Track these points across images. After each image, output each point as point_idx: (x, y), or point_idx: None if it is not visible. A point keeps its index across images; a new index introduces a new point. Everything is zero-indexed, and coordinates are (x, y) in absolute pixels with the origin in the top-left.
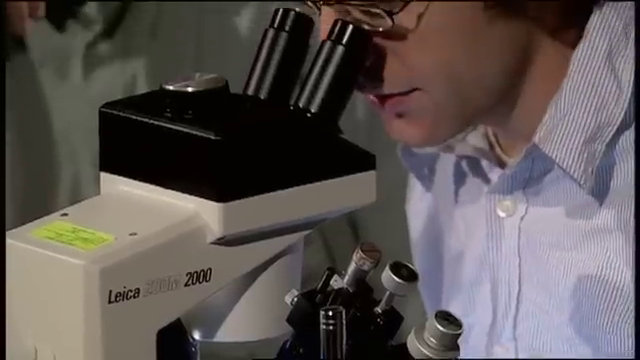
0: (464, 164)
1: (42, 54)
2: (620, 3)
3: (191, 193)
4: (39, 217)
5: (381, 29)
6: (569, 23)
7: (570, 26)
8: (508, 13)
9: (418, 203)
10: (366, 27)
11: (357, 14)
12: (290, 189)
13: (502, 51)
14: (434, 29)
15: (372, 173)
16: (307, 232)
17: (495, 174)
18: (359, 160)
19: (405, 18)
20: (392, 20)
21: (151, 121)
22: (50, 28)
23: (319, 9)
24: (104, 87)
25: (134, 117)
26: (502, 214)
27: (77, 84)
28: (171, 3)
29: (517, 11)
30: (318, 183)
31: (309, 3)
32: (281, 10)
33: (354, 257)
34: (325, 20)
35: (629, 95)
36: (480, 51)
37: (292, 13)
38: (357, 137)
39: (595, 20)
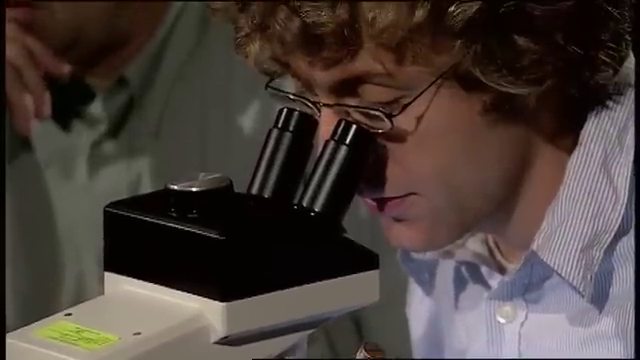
0: (464, 269)
1: (47, 154)
2: (614, 109)
3: (195, 292)
4: (42, 317)
5: (380, 131)
6: (566, 129)
7: (567, 132)
8: (506, 118)
9: (419, 306)
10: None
11: (356, 116)
12: (294, 288)
13: (502, 158)
14: (433, 132)
15: (375, 272)
16: (311, 331)
17: (495, 280)
18: (362, 259)
19: (404, 120)
20: (391, 122)
21: (155, 220)
22: (55, 128)
23: (319, 110)
24: (109, 186)
25: (138, 216)
26: (502, 320)
27: (82, 183)
28: (175, 103)
29: (515, 116)
30: (321, 282)
31: (309, 104)
32: (285, 110)
33: (358, 356)
34: (325, 121)
35: (625, 201)
36: (479, 157)
37: (296, 113)
38: (361, 235)
39: (590, 127)
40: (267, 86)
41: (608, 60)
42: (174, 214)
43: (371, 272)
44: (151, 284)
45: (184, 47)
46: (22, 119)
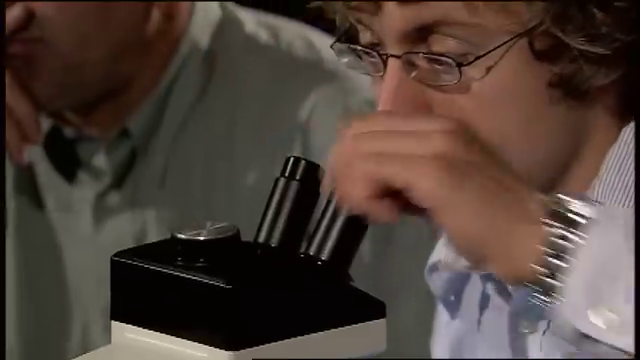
0: (489, 287)
1: (53, 205)
2: None
3: (202, 342)
4: None
5: (446, 83)
6: (624, 121)
7: (624, 125)
8: (570, 98)
9: (443, 330)
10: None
11: (423, 64)
12: (301, 337)
13: (557, 137)
14: (496, 94)
15: (382, 321)
16: None
17: (519, 292)
18: (369, 308)
19: (470, 76)
20: (460, 72)
21: (162, 269)
22: (60, 179)
23: (385, 65)
24: (114, 237)
25: (145, 265)
26: (525, 330)
27: (87, 234)
28: (179, 152)
29: (579, 98)
30: (328, 331)
31: (376, 57)
32: (292, 159)
33: None
34: (390, 76)
35: None
36: (536, 130)
37: (303, 162)
38: (365, 281)
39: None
40: (335, 42)
41: None
42: (181, 263)
43: (378, 321)
44: (158, 333)
45: (188, 97)
46: (14, 149)
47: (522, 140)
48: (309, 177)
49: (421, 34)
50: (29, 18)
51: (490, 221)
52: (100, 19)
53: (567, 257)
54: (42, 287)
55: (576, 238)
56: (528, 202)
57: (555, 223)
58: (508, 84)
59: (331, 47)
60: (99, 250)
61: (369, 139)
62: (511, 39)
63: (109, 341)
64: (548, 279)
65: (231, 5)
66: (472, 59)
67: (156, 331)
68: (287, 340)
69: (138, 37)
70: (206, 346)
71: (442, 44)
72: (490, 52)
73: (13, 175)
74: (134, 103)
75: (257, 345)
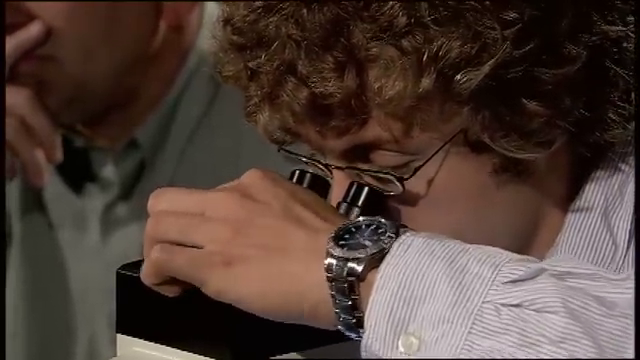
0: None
1: (60, 216)
2: (618, 160)
3: (206, 355)
4: None
5: (392, 193)
6: (576, 185)
7: (577, 188)
8: (516, 179)
9: None
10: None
11: (368, 179)
12: (306, 351)
13: (512, 216)
14: (443, 194)
15: None
16: None
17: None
18: None
19: (415, 183)
20: (402, 186)
21: None
22: (68, 191)
23: (331, 172)
24: (122, 249)
25: None
26: None
27: (95, 246)
28: (187, 165)
29: (525, 177)
30: (334, 345)
31: (321, 167)
32: (297, 172)
33: None
34: (337, 183)
35: (624, 253)
36: (489, 216)
37: (308, 175)
38: None
39: (592, 174)
40: (280, 149)
41: (617, 118)
42: None
43: None
44: (163, 346)
45: (195, 109)
46: (34, 172)
47: (477, 228)
48: (315, 190)
49: (361, 151)
50: (47, 35)
51: (279, 295)
52: (107, 34)
53: (356, 292)
54: (49, 298)
55: (359, 269)
56: (309, 255)
57: (335, 262)
58: (452, 182)
59: (278, 151)
60: (106, 261)
61: (165, 223)
62: (444, 145)
63: (115, 354)
64: (346, 317)
65: None
66: (412, 171)
67: (161, 344)
68: (292, 353)
69: (145, 50)
70: (210, 359)
71: (383, 158)
72: (427, 162)
73: (20, 186)
74: (142, 115)
75: (262, 358)
